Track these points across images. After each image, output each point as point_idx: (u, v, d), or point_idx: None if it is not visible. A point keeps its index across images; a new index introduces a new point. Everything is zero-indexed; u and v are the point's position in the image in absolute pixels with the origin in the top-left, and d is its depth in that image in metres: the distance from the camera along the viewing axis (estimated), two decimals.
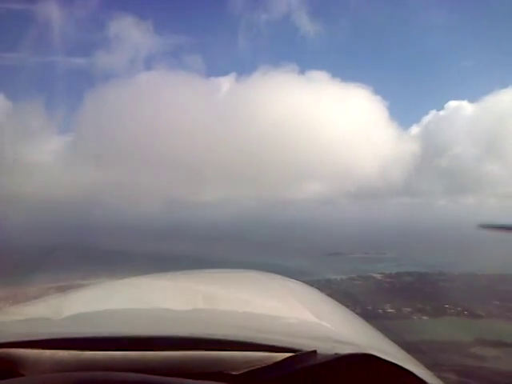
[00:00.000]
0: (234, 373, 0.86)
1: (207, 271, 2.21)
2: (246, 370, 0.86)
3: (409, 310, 12.05)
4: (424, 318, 11.65)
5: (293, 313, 1.40)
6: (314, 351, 0.87)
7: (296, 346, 0.90)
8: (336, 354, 0.87)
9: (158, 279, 1.85)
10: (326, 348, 0.90)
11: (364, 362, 0.87)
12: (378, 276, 17.46)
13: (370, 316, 11.16)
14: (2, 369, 0.88)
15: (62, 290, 1.74)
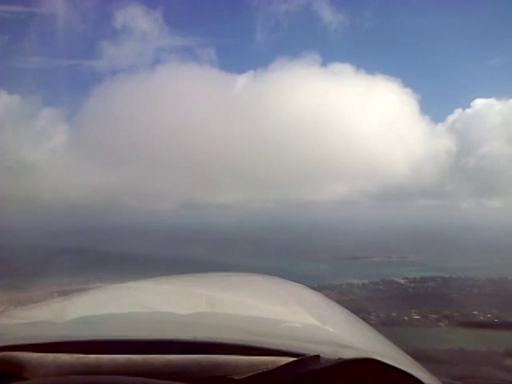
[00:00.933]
0: (237, 377, 0.85)
1: (210, 274, 2.22)
2: (249, 374, 0.85)
3: (435, 316, 11.58)
4: (452, 325, 11.16)
5: (296, 317, 1.39)
6: (318, 356, 0.86)
7: (299, 351, 0.90)
8: (339, 358, 0.86)
9: (161, 283, 1.85)
10: (330, 352, 0.90)
11: (367, 367, 0.86)
12: (402, 281, 16.94)
13: (396, 323, 10.80)
14: (5, 372, 0.88)
15: (66, 293, 1.74)
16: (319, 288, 15.34)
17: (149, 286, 1.79)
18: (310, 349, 0.92)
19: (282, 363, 0.86)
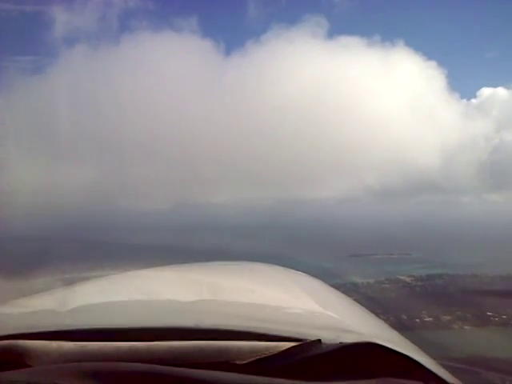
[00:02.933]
0: (240, 362, 0.87)
1: (212, 263, 2.22)
2: (251, 359, 0.87)
3: (448, 318, 10.90)
4: (466, 327, 10.48)
5: (297, 303, 1.41)
6: (319, 340, 0.88)
7: (301, 336, 0.92)
8: (341, 342, 0.89)
9: (162, 271, 1.84)
10: (331, 337, 0.92)
11: (368, 351, 0.88)
12: (407, 279, 16.29)
13: (407, 326, 10.10)
14: (9, 360, 0.89)
15: (68, 282, 1.73)
16: None
17: (150, 274, 1.78)
18: (312, 334, 0.93)
19: (284, 348, 0.87)
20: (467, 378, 1.07)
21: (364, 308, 1.64)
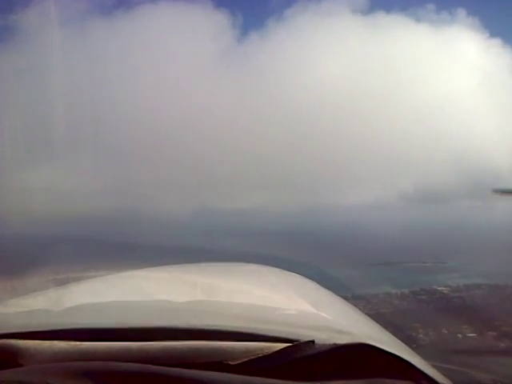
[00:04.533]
0: (233, 362, 0.88)
1: (206, 264, 2.21)
2: (245, 360, 0.88)
3: (494, 334, 10.06)
4: None
5: (291, 304, 1.44)
6: (312, 341, 0.91)
7: (294, 337, 0.94)
8: (334, 343, 0.91)
9: (156, 272, 1.86)
10: (324, 338, 0.94)
11: (361, 352, 0.91)
12: (444, 290, 15.42)
13: (450, 343, 9.37)
14: (1, 359, 0.90)
15: (62, 282, 1.72)
16: (354, 298, 14.01)
17: (144, 275, 1.79)
18: (305, 335, 0.95)
19: (277, 348, 0.89)
20: (459, 379, 1.06)
21: (357, 309, 1.67)
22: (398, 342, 1.26)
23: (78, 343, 0.91)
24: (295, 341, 0.90)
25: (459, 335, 9.78)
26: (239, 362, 0.86)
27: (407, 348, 1.16)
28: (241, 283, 1.66)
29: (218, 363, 0.86)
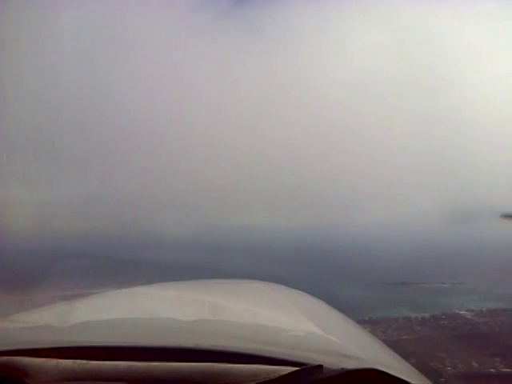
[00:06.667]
0: None
1: (213, 281, 2.25)
2: (251, 383, 0.85)
3: None
4: None
5: (299, 325, 1.38)
6: (321, 365, 0.88)
7: (302, 360, 0.93)
8: (342, 368, 0.89)
9: (163, 289, 1.82)
10: (332, 362, 0.93)
11: (370, 377, 0.88)
12: (468, 314, 14.41)
13: (482, 379, 8.48)
14: (7, 376, 0.88)
15: (68, 298, 1.70)
16: (371, 322, 13.16)
17: (151, 292, 1.78)
18: (313, 358, 0.94)
19: (285, 372, 0.86)
20: None
21: (366, 330, 1.74)
22: (410, 367, 1.24)
23: (84, 362, 0.89)
24: (303, 364, 0.88)
25: (492, 370, 8.86)
26: None
27: (418, 373, 1.14)
28: (248, 303, 1.61)
29: None
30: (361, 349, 1.31)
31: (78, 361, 0.90)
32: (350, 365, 0.90)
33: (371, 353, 1.31)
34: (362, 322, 13.01)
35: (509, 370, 9.14)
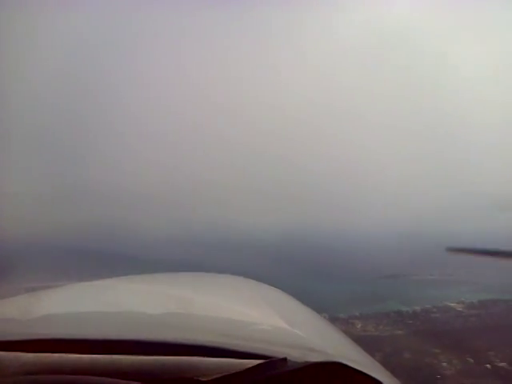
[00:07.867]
0: (204, 379, 0.85)
1: (183, 274, 2.21)
2: (216, 376, 0.85)
3: None
4: None
5: (266, 319, 1.39)
6: (285, 358, 0.89)
7: (268, 353, 0.94)
8: (306, 361, 0.89)
9: (131, 281, 1.80)
10: (297, 355, 0.93)
11: (333, 370, 0.89)
12: (458, 307, 14.32)
13: (479, 376, 8.28)
14: None
15: (33, 290, 1.67)
16: (362, 318, 12.94)
17: (117, 284, 1.74)
18: (278, 351, 0.95)
19: (250, 365, 0.86)
20: None
21: (333, 326, 1.69)
22: (374, 362, 1.24)
23: (45, 355, 0.87)
24: (269, 357, 0.88)
25: (488, 365, 8.67)
26: (211, 378, 0.83)
27: (382, 368, 1.15)
28: (216, 296, 1.60)
29: (189, 380, 0.84)
30: (327, 343, 1.34)
31: (39, 354, 0.88)
32: (315, 358, 0.91)
33: (337, 347, 1.33)
34: (353, 317, 12.77)
35: (504, 364, 8.99)
